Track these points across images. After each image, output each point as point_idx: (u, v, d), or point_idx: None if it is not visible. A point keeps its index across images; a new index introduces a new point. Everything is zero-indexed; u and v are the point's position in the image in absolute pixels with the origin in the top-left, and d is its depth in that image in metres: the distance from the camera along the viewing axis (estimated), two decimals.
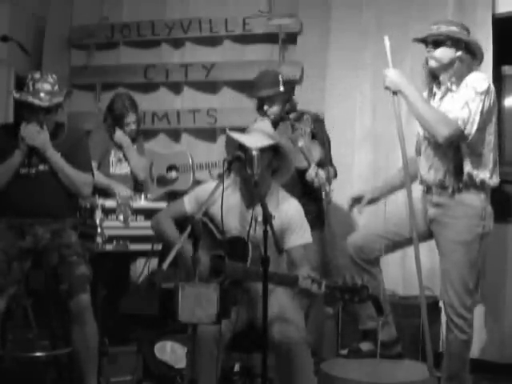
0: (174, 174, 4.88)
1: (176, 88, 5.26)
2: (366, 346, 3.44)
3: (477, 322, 3.30)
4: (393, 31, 3.81)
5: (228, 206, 2.98)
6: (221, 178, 2.90)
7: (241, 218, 3.04)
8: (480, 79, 3.09)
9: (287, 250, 3.00)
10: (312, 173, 3.68)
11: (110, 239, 3.79)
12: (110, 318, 3.83)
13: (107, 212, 3.81)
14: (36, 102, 3.33)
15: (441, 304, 3.60)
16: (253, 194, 2.97)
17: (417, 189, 3.38)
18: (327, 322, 4.00)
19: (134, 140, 4.47)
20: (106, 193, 4.10)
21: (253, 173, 2.81)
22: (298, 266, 2.97)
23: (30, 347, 3.62)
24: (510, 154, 4.29)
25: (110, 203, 3.85)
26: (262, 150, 2.91)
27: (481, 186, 3.12)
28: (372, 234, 3.39)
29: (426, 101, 3.17)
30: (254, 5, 4.97)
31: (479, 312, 4.00)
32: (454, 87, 3.14)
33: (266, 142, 2.96)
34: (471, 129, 3.03)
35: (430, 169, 3.21)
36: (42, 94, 3.34)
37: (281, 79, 3.93)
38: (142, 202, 3.99)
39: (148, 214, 3.84)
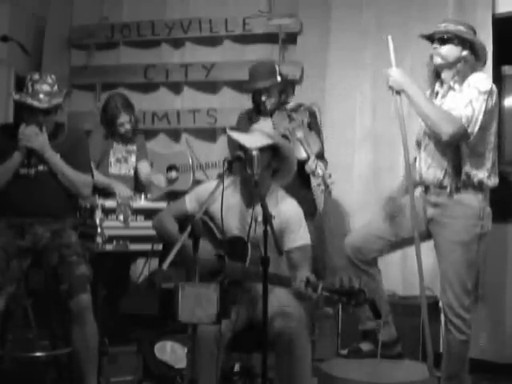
0: (174, 173, 4.87)
1: (176, 88, 5.26)
2: (366, 346, 3.44)
3: (477, 321, 3.29)
4: (393, 31, 3.79)
5: (228, 205, 2.98)
6: (221, 177, 2.89)
7: (241, 218, 3.04)
8: (483, 79, 3.10)
9: (286, 251, 3.00)
10: (312, 165, 3.65)
11: (110, 239, 3.79)
12: (110, 318, 3.83)
13: (107, 212, 3.81)
14: (35, 103, 3.33)
15: (441, 304, 3.59)
16: (253, 194, 2.97)
17: (416, 189, 3.38)
18: (327, 322, 4.00)
19: (130, 140, 4.45)
20: (105, 193, 4.10)
21: (253, 173, 2.81)
22: (297, 266, 2.97)
23: (30, 347, 3.62)
24: (509, 154, 4.29)
25: (109, 203, 3.85)
26: (262, 150, 2.91)
27: (479, 186, 3.12)
28: (370, 234, 3.39)
29: (429, 99, 3.18)
30: (254, 5, 4.98)
31: (479, 312, 4.00)
32: (456, 86, 3.15)
33: (264, 141, 2.96)
34: (474, 128, 3.03)
35: (430, 168, 3.21)
36: (41, 96, 3.34)
37: (277, 69, 3.89)
38: (142, 202, 3.99)
39: (148, 213, 3.84)
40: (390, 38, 3.19)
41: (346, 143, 4.51)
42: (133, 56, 5.33)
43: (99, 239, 3.76)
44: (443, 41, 3.13)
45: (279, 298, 2.94)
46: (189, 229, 2.57)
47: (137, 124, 4.52)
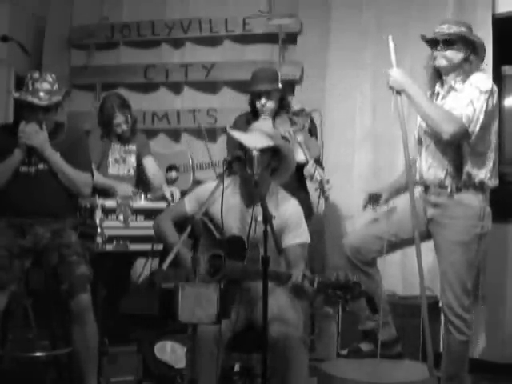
0: (174, 173, 4.87)
1: (176, 88, 5.26)
2: (366, 346, 3.44)
3: (477, 322, 3.30)
4: (393, 31, 3.78)
5: (228, 205, 2.98)
6: (221, 177, 2.89)
7: (241, 218, 3.04)
8: (484, 79, 3.11)
9: (284, 249, 3.00)
10: (311, 169, 3.66)
11: (110, 239, 3.79)
12: (110, 318, 3.83)
13: (107, 212, 3.81)
14: (35, 101, 3.33)
15: (441, 304, 3.60)
16: (253, 194, 2.97)
17: (415, 189, 3.38)
18: (327, 321, 4.00)
19: (128, 140, 4.44)
20: (106, 193, 4.09)
21: (253, 173, 2.81)
22: (293, 264, 2.96)
23: (30, 347, 3.62)
24: (510, 154, 4.29)
25: (109, 203, 3.85)
26: (262, 151, 2.91)
27: (479, 187, 3.12)
28: (369, 234, 3.39)
29: (430, 99, 3.18)
30: (254, 5, 4.98)
31: (479, 312, 4.00)
32: (457, 86, 3.15)
33: (266, 143, 2.96)
34: (475, 127, 3.04)
35: (431, 167, 3.21)
36: (41, 94, 3.35)
37: (279, 76, 3.93)
38: (142, 202, 3.98)
39: (148, 213, 3.84)
40: (390, 38, 3.19)
41: (346, 143, 4.51)
42: (133, 56, 5.33)
43: (99, 239, 3.76)
44: (448, 43, 3.13)
45: (278, 301, 2.94)
46: (189, 229, 2.57)
47: (135, 124, 4.49)
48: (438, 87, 3.25)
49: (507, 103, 4.38)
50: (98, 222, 3.76)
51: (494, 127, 3.15)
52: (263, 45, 5.00)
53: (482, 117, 3.03)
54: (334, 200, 4.39)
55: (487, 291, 4.06)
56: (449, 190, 3.15)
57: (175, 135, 5.26)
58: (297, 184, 3.70)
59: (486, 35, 4.07)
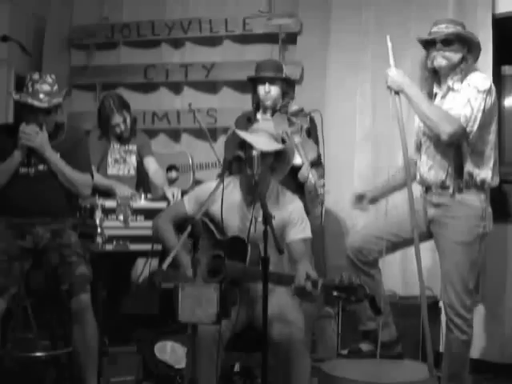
0: (174, 173, 4.87)
1: (176, 88, 5.26)
2: (366, 346, 3.44)
3: (477, 321, 3.30)
4: (393, 31, 3.81)
5: (228, 205, 2.98)
6: (221, 177, 2.89)
7: (241, 218, 3.04)
8: (482, 78, 3.11)
9: (287, 244, 3.00)
10: (305, 172, 3.65)
11: (110, 239, 3.79)
12: (110, 318, 3.83)
13: (107, 212, 3.81)
14: (35, 103, 3.33)
15: (441, 304, 3.60)
16: (253, 194, 2.97)
17: (416, 189, 3.38)
18: (327, 321, 4.00)
19: (128, 140, 4.44)
20: (106, 193, 4.09)
21: (253, 173, 2.81)
22: (297, 260, 2.98)
23: (30, 347, 3.62)
24: (510, 154, 4.29)
25: (109, 203, 3.85)
26: (266, 152, 2.91)
27: (481, 186, 3.13)
28: (370, 235, 3.40)
29: (428, 100, 3.18)
30: (254, 5, 4.98)
31: (479, 312, 4.00)
32: (455, 86, 3.15)
33: (273, 145, 2.97)
34: (473, 126, 3.04)
35: (431, 169, 3.21)
36: (41, 95, 3.35)
37: (283, 68, 3.95)
38: (142, 202, 3.98)
39: (148, 213, 3.84)
40: (388, 37, 3.20)
41: (345, 143, 4.51)
42: (133, 56, 5.33)
43: (99, 239, 3.75)
44: (447, 43, 3.13)
45: (279, 301, 2.94)
46: (189, 229, 2.57)
47: (135, 124, 4.49)
48: (435, 88, 3.25)
49: (507, 103, 4.38)
50: (98, 221, 3.76)
51: (493, 126, 3.16)
52: (263, 45, 5.00)
53: (480, 116, 3.04)
54: (334, 200, 4.39)
55: (487, 291, 4.06)
56: (450, 190, 3.15)
57: (175, 135, 5.26)
58: (294, 186, 3.69)
59: (485, 35, 4.07)
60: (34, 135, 3.36)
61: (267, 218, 2.54)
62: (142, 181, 4.51)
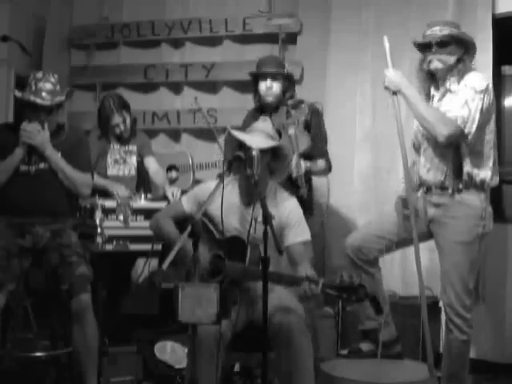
0: (174, 173, 4.87)
1: (176, 88, 5.26)
2: (366, 346, 3.44)
3: (477, 322, 3.30)
4: (393, 31, 3.81)
5: (228, 205, 2.98)
6: (221, 177, 2.89)
7: (240, 218, 3.04)
8: (479, 78, 3.11)
9: (287, 247, 3.00)
10: (292, 163, 3.64)
11: (110, 239, 3.79)
12: (110, 318, 3.83)
13: (107, 212, 3.81)
14: (38, 100, 3.34)
15: (441, 304, 3.60)
16: (252, 194, 2.97)
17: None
18: (327, 321, 4.00)
19: (128, 140, 4.43)
20: (106, 193, 4.09)
21: (253, 173, 2.81)
22: (297, 262, 2.97)
23: (30, 347, 3.62)
24: (510, 154, 4.29)
25: (109, 203, 3.85)
26: (263, 151, 2.91)
27: (481, 186, 3.13)
28: (371, 234, 3.40)
29: (425, 101, 3.18)
30: (254, 5, 4.98)
31: (479, 312, 4.00)
32: (453, 87, 3.15)
33: (267, 143, 2.97)
34: (471, 127, 3.04)
35: (430, 170, 3.21)
36: (43, 94, 3.35)
37: (285, 64, 3.96)
38: (141, 202, 3.98)
39: (148, 213, 3.83)
40: (385, 38, 3.20)
41: (345, 143, 4.51)
42: (133, 56, 5.33)
43: (99, 239, 3.76)
44: (442, 45, 3.13)
45: (279, 294, 2.95)
46: (189, 229, 2.57)
47: (134, 124, 4.48)
48: (433, 90, 3.25)
49: (507, 103, 4.38)
50: (98, 222, 3.76)
51: (492, 126, 3.16)
52: (263, 45, 5.00)
53: (477, 117, 3.04)
54: (334, 199, 4.39)
55: (487, 291, 4.06)
56: (450, 190, 3.15)
57: (175, 135, 5.26)
58: (289, 183, 3.68)
59: (486, 35, 4.08)
60: (36, 133, 3.36)
61: (267, 218, 2.54)
62: (142, 181, 4.51)
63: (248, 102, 4.86)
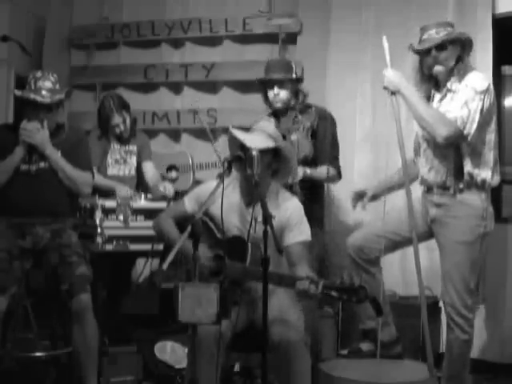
0: (173, 173, 4.87)
1: (176, 88, 5.26)
2: (366, 346, 3.44)
3: (477, 321, 3.30)
4: (393, 31, 3.81)
5: (228, 205, 2.98)
6: (221, 177, 2.89)
7: (241, 217, 3.04)
8: (479, 79, 3.11)
9: (286, 247, 3.00)
10: None
11: (110, 239, 3.79)
12: (110, 318, 3.83)
13: (107, 212, 3.81)
14: (38, 98, 3.35)
15: (441, 304, 3.60)
16: (253, 194, 2.97)
17: (417, 188, 3.38)
18: (327, 321, 4.00)
19: (128, 140, 4.44)
20: (106, 193, 4.09)
21: (253, 173, 2.81)
22: (296, 263, 2.97)
23: (30, 347, 3.62)
24: (510, 154, 4.29)
25: (109, 203, 3.85)
26: (263, 151, 2.91)
27: (482, 186, 3.13)
28: (372, 233, 3.40)
29: (424, 101, 3.18)
30: (254, 5, 4.98)
31: (480, 312, 4.00)
32: (454, 87, 3.15)
33: (266, 143, 2.96)
34: (471, 128, 3.04)
35: (431, 170, 3.22)
36: (43, 92, 3.36)
37: (293, 67, 3.87)
38: (141, 202, 3.99)
39: (148, 213, 3.84)
40: (384, 38, 3.20)
41: (346, 143, 4.50)
42: (133, 56, 5.33)
43: (99, 239, 3.76)
44: (441, 48, 3.13)
45: (280, 301, 2.94)
46: (189, 229, 2.57)
47: (134, 124, 4.49)
48: (433, 91, 3.25)
49: (507, 103, 4.38)
50: (98, 221, 3.77)
51: (493, 126, 3.15)
52: (263, 45, 4.99)
53: (477, 117, 3.04)
54: (335, 199, 4.39)
55: (487, 291, 4.06)
56: (451, 190, 3.15)
57: (175, 135, 5.26)
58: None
59: (486, 35, 4.08)
60: (35, 132, 3.37)
61: (267, 218, 2.54)
62: (141, 181, 4.52)
63: (248, 102, 4.88)
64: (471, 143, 3.08)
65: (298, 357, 2.81)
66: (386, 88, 3.17)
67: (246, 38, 5.04)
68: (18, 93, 3.40)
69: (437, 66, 3.15)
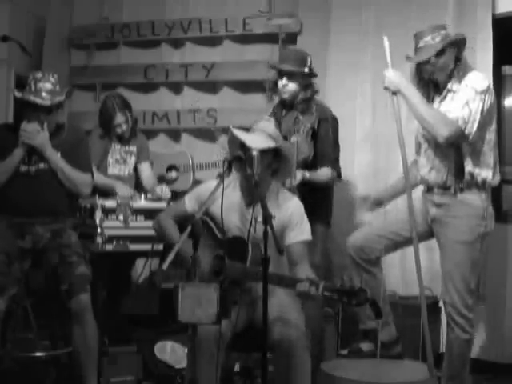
0: (174, 173, 4.88)
1: (176, 88, 5.26)
2: (366, 346, 3.44)
3: (477, 322, 3.30)
4: (393, 31, 3.80)
5: (228, 204, 2.98)
6: (221, 177, 2.89)
7: (241, 217, 3.04)
8: (480, 79, 3.11)
9: (287, 247, 3.00)
10: None
11: (110, 239, 3.79)
12: (110, 318, 3.83)
13: (107, 212, 3.81)
14: (38, 100, 3.34)
15: (441, 304, 3.60)
16: (253, 193, 2.97)
17: (417, 188, 3.38)
18: (327, 322, 4.00)
19: (128, 141, 4.44)
20: (106, 193, 4.09)
21: (253, 173, 2.81)
22: (297, 262, 2.97)
23: (30, 347, 3.62)
24: (510, 154, 4.29)
25: (109, 203, 3.85)
26: (263, 151, 2.91)
27: (482, 186, 3.13)
28: (372, 233, 3.40)
29: (425, 102, 3.17)
30: (254, 5, 4.98)
31: (480, 312, 4.00)
32: (454, 87, 3.15)
33: (267, 144, 2.96)
34: (472, 128, 3.04)
35: (432, 170, 3.22)
36: (43, 94, 3.36)
37: (309, 61, 3.79)
38: (142, 202, 3.99)
39: (148, 213, 3.84)
40: (385, 38, 3.20)
41: (346, 143, 4.50)
42: (133, 56, 5.33)
43: (99, 239, 3.76)
44: (439, 53, 3.12)
45: (280, 301, 2.94)
46: (189, 229, 2.57)
47: (135, 124, 4.49)
48: (432, 93, 3.25)
49: (507, 103, 4.38)
50: (98, 221, 3.77)
51: (493, 125, 3.16)
52: (263, 45, 5.00)
53: (478, 117, 3.04)
54: (334, 200, 4.38)
55: (487, 291, 4.06)
56: (452, 190, 3.15)
57: (175, 135, 5.26)
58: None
59: (486, 35, 4.08)
60: (35, 133, 3.36)
61: (267, 219, 2.54)
62: (138, 182, 4.53)
63: (248, 102, 4.88)
64: (472, 143, 3.09)
65: (299, 355, 2.81)
66: (386, 88, 3.17)
67: (245, 38, 5.04)
68: (18, 94, 3.39)
69: (437, 73, 3.15)
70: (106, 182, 4.23)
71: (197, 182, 4.55)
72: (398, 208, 3.45)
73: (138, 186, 4.50)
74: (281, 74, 3.76)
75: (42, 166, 3.42)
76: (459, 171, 3.13)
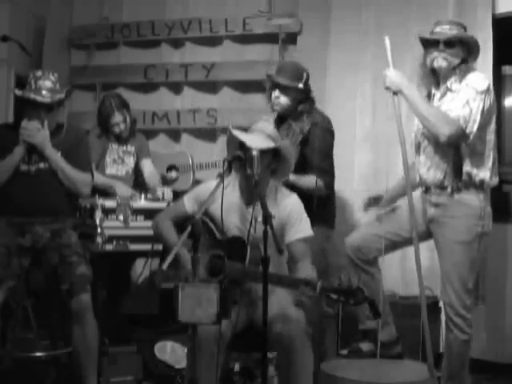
0: (174, 173, 4.88)
1: (176, 88, 5.26)
2: (366, 346, 3.44)
3: (477, 322, 3.30)
4: (393, 31, 3.81)
5: (228, 204, 2.98)
6: (221, 177, 2.89)
7: (241, 217, 3.04)
8: (480, 79, 3.11)
9: (287, 245, 3.00)
10: None
11: (110, 239, 3.79)
12: (110, 318, 3.83)
13: (107, 212, 3.81)
14: (38, 98, 3.34)
15: (441, 304, 3.60)
16: (252, 193, 2.97)
17: (416, 190, 3.38)
18: (327, 322, 4.00)
19: (127, 140, 4.44)
20: (106, 193, 4.09)
21: (253, 173, 2.81)
22: (298, 260, 2.98)
23: (30, 347, 3.62)
24: (509, 154, 4.29)
25: (109, 203, 3.85)
26: (263, 151, 2.91)
27: (480, 186, 3.13)
28: (370, 234, 3.40)
29: (426, 101, 3.18)
30: (254, 5, 4.98)
31: (480, 312, 4.00)
32: (454, 87, 3.15)
33: (267, 144, 2.97)
34: (472, 128, 3.04)
35: (430, 169, 3.22)
36: (43, 92, 3.36)
37: (305, 77, 3.72)
38: (142, 202, 3.99)
39: (148, 213, 3.84)
40: (386, 38, 3.20)
41: (346, 143, 4.51)
42: (133, 56, 5.33)
43: (99, 239, 3.76)
44: (449, 44, 3.13)
45: (280, 299, 2.94)
46: (189, 229, 2.57)
47: (134, 124, 4.49)
48: (433, 89, 3.25)
49: (507, 103, 4.38)
50: (98, 221, 3.76)
51: (492, 126, 3.16)
52: (263, 45, 4.99)
53: (478, 117, 3.04)
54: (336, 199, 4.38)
55: (487, 291, 4.06)
56: (449, 190, 3.15)
57: (175, 135, 5.26)
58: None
59: (486, 35, 4.08)
60: (36, 131, 3.37)
61: (267, 218, 2.54)
62: (138, 182, 4.52)
63: (248, 102, 4.88)
64: (471, 143, 3.09)
65: (300, 349, 2.81)
66: (387, 88, 3.17)
67: (245, 38, 5.04)
68: (19, 92, 3.39)
69: (441, 60, 3.14)
70: (105, 182, 4.23)
71: (197, 182, 4.55)
72: (397, 208, 3.45)
73: (139, 185, 4.49)
74: (274, 85, 3.71)
75: (42, 165, 3.42)
76: (457, 171, 3.13)
